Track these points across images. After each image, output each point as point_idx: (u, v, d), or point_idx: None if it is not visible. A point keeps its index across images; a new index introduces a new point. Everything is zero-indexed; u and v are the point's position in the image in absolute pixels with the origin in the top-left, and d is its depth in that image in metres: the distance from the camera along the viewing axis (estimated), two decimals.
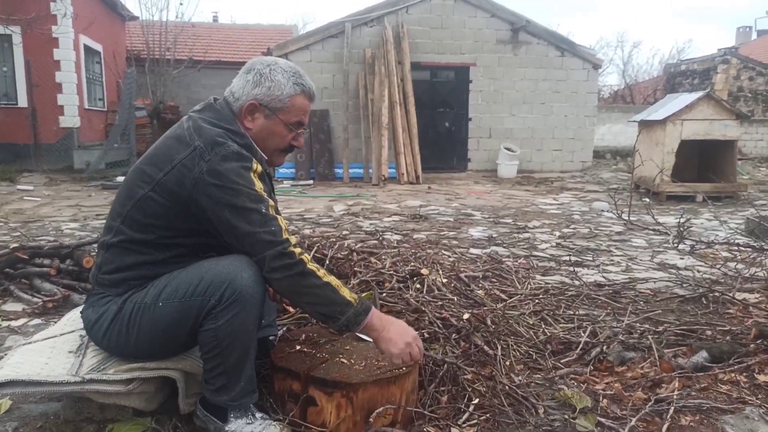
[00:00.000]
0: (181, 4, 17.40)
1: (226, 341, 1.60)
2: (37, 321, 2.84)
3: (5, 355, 2.33)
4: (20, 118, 11.25)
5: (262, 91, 1.72)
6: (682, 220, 3.64)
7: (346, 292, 1.63)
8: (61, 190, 8.81)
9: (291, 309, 2.51)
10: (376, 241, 4.26)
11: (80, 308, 2.07)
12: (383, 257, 3.21)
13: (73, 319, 2.08)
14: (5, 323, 2.80)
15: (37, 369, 1.70)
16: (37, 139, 11.34)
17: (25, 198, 7.82)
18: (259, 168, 1.66)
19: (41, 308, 2.92)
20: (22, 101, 11.41)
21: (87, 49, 12.92)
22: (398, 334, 1.65)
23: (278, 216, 1.63)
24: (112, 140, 11.27)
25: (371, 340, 1.75)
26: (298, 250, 1.60)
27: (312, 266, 1.60)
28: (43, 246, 3.38)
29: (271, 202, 1.63)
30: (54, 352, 1.83)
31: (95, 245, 3.50)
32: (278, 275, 1.59)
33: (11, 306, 3.02)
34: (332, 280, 1.62)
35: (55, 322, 2.72)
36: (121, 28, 15.89)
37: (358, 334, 1.94)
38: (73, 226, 5.61)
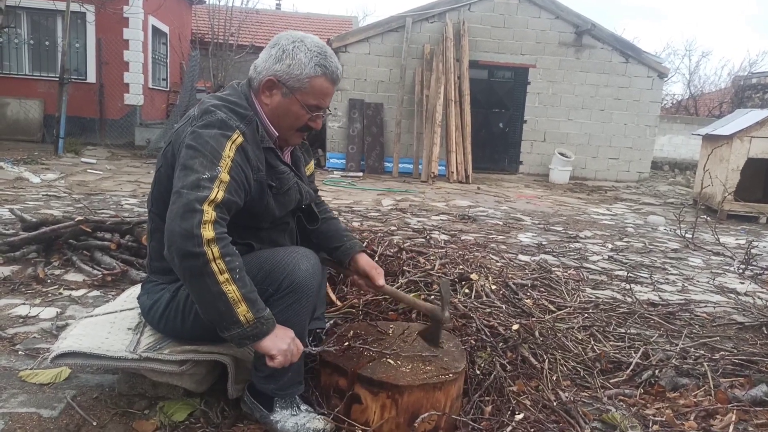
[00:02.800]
0: None
1: None
2: (95, 293, 2.95)
3: (67, 323, 2.45)
4: (89, 93, 11.74)
5: (282, 68, 1.66)
6: (746, 245, 3.48)
7: (241, 309, 1.47)
8: (122, 165, 9.14)
9: (339, 303, 2.53)
10: (423, 240, 4.25)
11: (139, 285, 2.15)
12: (432, 258, 3.20)
13: (132, 295, 2.16)
14: (66, 292, 2.93)
15: (97, 343, 1.77)
16: (102, 114, 11.82)
17: (88, 171, 8.15)
18: (240, 140, 1.59)
19: (101, 281, 3.05)
20: (91, 77, 11.89)
21: (154, 30, 13.32)
22: (277, 338, 1.56)
23: (217, 188, 1.49)
24: (173, 120, 11.61)
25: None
26: (209, 233, 1.43)
27: (215, 266, 1.44)
28: (106, 221, 3.51)
29: (224, 176, 1.51)
30: (114, 327, 1.90)
31: None
32: (175, 258, 1.46)
33: (73, 276, 3.16)
34: (231, 290, 1.46)
35: (113, 296, 2.84)
36: (188, 11, 16.31)
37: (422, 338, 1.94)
38: (133, 202, 5.82)
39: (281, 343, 1.56)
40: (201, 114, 1.63)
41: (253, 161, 1.65)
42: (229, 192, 1.53)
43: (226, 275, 1.46)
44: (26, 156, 8.72)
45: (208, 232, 1.44)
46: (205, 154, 1.53)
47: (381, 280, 1.90)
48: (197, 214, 1.44)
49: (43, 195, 5.88)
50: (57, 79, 9.99)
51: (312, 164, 2.06)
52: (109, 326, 1.91)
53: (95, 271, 3.13)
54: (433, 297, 2.51)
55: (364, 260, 1.95)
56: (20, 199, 5.52)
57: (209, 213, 1.46)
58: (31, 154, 9.04)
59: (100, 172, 8.06)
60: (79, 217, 3.47)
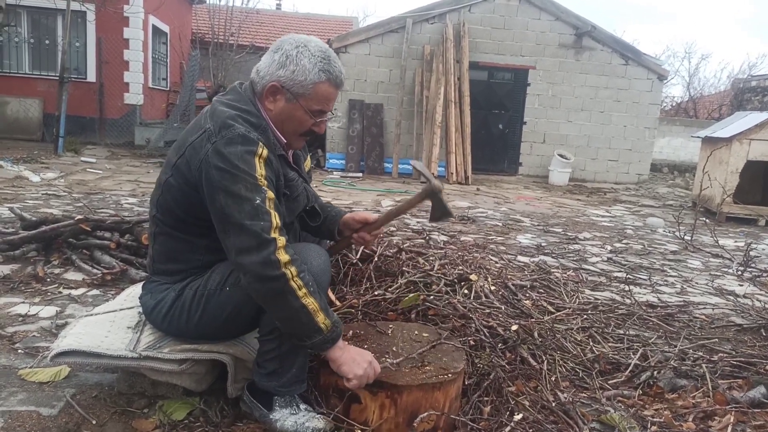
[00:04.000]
0: None
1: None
2: (95, 292, 2.96)
3: (66, 322, 2.45)
4: (88, 93, 11.74)
5: (286, 74, 1.66)
6: (745, 247, 3.49)
7: (320, 317, 1.57)
8: (122, 164, 9.14)
9: (338, 303, 2.54)
10: (422, 241, 4.25)
11: (139, 285, 2.16)
12: (431, 258, 3.20)
13: (132, 294, 2.16)
14: (66, 291, 2.93)
15: (97, 341, 1.78)
16: (102, 113, 11.83)
17: (87, 170, 8.15)
18: (265, 152, 1.60)
19: (100, 279, 3.05)
20: (91, 76, 11.89)
21: (155, 29, 13.33)
22: (358, 355, 1.65)
23: (273, 211, 1.56)
24: (172, 119, 11.63)
25: None
26: (284, 257, 1.52)
27: (294, 283, 1.53)
28: (106, 220, 3.52)
29: (270, 195, 1.57)
30: (114, 326, 1.91)
31: None
32: (255, 284, 1.53)
33: (72, 275, 3.16)
34: (310, 302, 1.55)
35: (113, 295, 2.84)
36: (188, 10, 16.32)
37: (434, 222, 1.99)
38: (132, 201, 5.82)
39: (357, 369, 1.62)
40: (219, 129, 1.60)
41: (276, 170, 1.67)
42: (277, 208, 1.59)
43: (304, 290, 1.55)
44: (26, 155, 8.72)
45: (283, 256, 1.52)
46: (243, 177, 1.55)
47: (372, 216, 1.97)
48: (271, 243, 1.52)
49: (42, 194, 5.88)
50: (57, 78, 10.00)
51: (309, 160, 2.08)
52: (108, 325, 1.92)
53: (95, 270, 3.13)
54: (432, 297, 2.51)
55: (348, 216, 2.00)
56: (20, 198, 5.53)
57: (280, 239, 1.54)
58: (31, 153, 9.04)
59: (100, 172, 8.06)
60: (79, 216, 3.48)
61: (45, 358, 2.02)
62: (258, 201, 1.54)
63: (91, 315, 2.02)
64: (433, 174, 8.18)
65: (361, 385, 1.64)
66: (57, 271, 3.20)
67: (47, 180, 6.87)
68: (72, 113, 10.54)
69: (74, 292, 2.92)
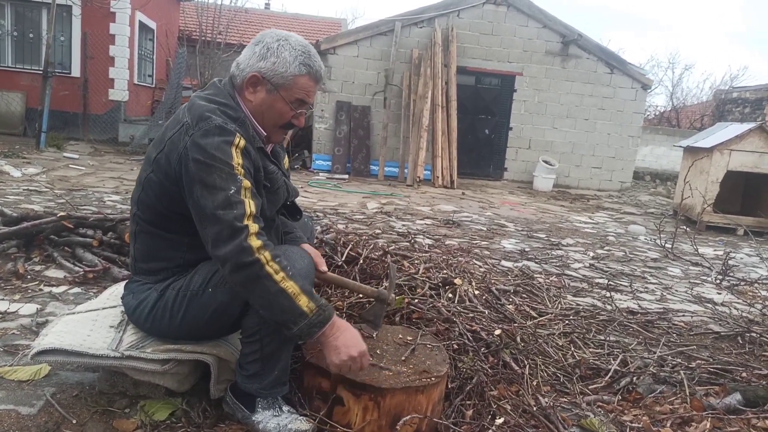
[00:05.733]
0: None
1: (269, 327, 1.64)
2: (76, 290, 2.92)
3: (47, 320, 2.42)
4: (72, 88, 11.59)
5: (267, 65, 1.68)
6: (724, 256, 3.55)
7: (303, 301, 1.54)
8: (105, 161, 9.04)
9: None
10: (408, 244, 4.27)
11: (122, 283, 2.14)
12: (416, 262, 3.22)
13: (115, 293, 2.14)
14: (47, 289, 2.89)
15: (79, 340, 1.76)
16: (86, 109, 11.67)
17: (70, 166, 8.05)
18: (242, 142, 1.61)
19: (82, 278, 3.01)
20: (76, 71, 11.74)
21: (141, 25, 13.20)
22: (345, 345, 1.61)
23: (247, 199, 1.56)
24: (157, 116, 11.51)
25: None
26: (257, 242, 1.52)
27: (270, 268, 1.52)
28: (89, 217, 3.48)
29: (246, 183, 1.57)
30: (96, 325, 1.89)
31: None
32: (233, 273, 1.52)
33: (53, 272, 3.12)
34: (289, 285, 1.54)
35: (95, 293, 2.82)
36: (176, 7, 16.19)
37: (361, 321, 2.04)
38: (115, 198, 5.76)
39: (335, 357, 1.61)
40: (196, 122, 1.61)
41: (254, 161, 1.67)
42: (254, 196, 1.60)
43: (282, 273, 1.53)
44: (7, 149, 8.58)
45: (255, 242, 1.52)
46: (219, 167, 1.55)
47: (323, 267, 1.92)
48: (243, 230, 1.52)
49: (24, 189, 5.80)
50: (40, 72, 9.85)
51: (287, 158, 2.08)
52: (91, 324, 1.90)
53: (76, 268, 3.09)
54: (417, 300, 2.53)
55: (307, 248, 1.95)
56: (0, 193, 5.44)
57: (252, 226, 1.54)
58: (12, 147, 8.90)
59: (83, 168, 7.96)
60: (62, 213, 3.44)
61: (25, 356, 2.00)
62: (233, 191, 1.54)
63: (73, 313, 2.00)
64: (418, 177, 8.14)
65: (341, 372, 1.65)
66: (38, 268, 3.16)
67: (29, 175, 6.77)
68: (55, 108, 10.39)
69: (55, 290, 2.88)
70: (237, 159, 1.58)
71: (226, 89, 1.74)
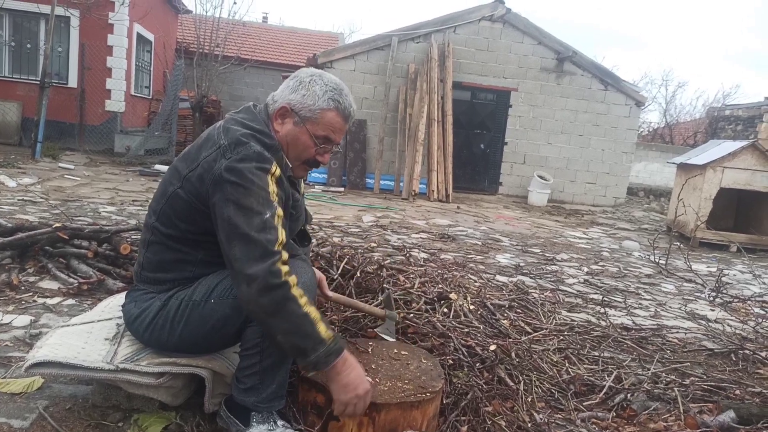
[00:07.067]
0: (234, 2, 17.64)
1: (269, 340, 1.64)
2: (71, 301, 2.91)
3: (41, 332, 2.41)
4: (69, 98, 11.61)
5: (297, 97, 1.72)
6: (717, 272, 3.57)
7: (322, 328, 1.55)
8: (101, 171, 9.03)
9: None
10: (403, 258, 4.27)
11: (117, 296, 2.14)
12: (411, 276, 3.22)
13: (110, 306, 2.14)
14: (41, 300, 2.88)
15: (73, 352, 1.76)
16: (82, 119, 11.69)
17: (65, 176, 8.04)
18: (278, 171, 1.64)
19: (76, 289, 3.00)
20: (73, 82, 11.77)
21: (139, 37, 13.27)
22: (354, 383, 1.59)
23: (280, 227, 1.59)
24: (154, 128, 11.53)
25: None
26: (285, 268, 1.54)
27: (296, 291, 1.54)
28: (84, 228, 3.47)
29: (279, 212, 1.60)
30: (91, 337, 1.88)
31: (132, 232, 3.59)
32: (261, 295, 1.50)
33: (48, 284, 3.11)
34: (312, 311, 1.55)
35: (89, 305, 2.81)
36: (174, 19, 16.29)
37: (379, 333, 2.14)
38: (110, 210, 5.75)
39: (343, 395, 1.60)
40: (234, 145, 1.62)
41: (286, 191, 1.71)
42: (284, 225, 1.63)
43: (305, 298, 1.56)
44: (2, 159, 8.56)
45: (285, 267, 1.55)
46: (257, 192, 1.57)
47: (327, 290, 2.00)
48: (275, 254, 1.54)
49: (18, 200, 5.78)
50: (37, 82, 9.87)
51: (302, 183, 2.10)
52: (86, 336, 1.89)
53: (71, 279, 3.08)
54: (412, 315, 2.53)
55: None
56: None
57: (283, 253, 1.56)
58: (8, 157, 8.88)
59: (78, 178, 7.95)
60: (57, 224, 3.43)
61: (18, 369, 1.99)
62: (268, 215, 1.56)
63: (68, 326, 1.99)
64: (414, 191, 8.20)
65: (345, 413, 1.62)
66: (32, 279, 3.14)
67: (24, 185, 6.76)
68: (51, 118, 10.40)
69: (49, 301, 2.87)
70: (272, 187, 1.61)
71: (261, 116, 1.76)
